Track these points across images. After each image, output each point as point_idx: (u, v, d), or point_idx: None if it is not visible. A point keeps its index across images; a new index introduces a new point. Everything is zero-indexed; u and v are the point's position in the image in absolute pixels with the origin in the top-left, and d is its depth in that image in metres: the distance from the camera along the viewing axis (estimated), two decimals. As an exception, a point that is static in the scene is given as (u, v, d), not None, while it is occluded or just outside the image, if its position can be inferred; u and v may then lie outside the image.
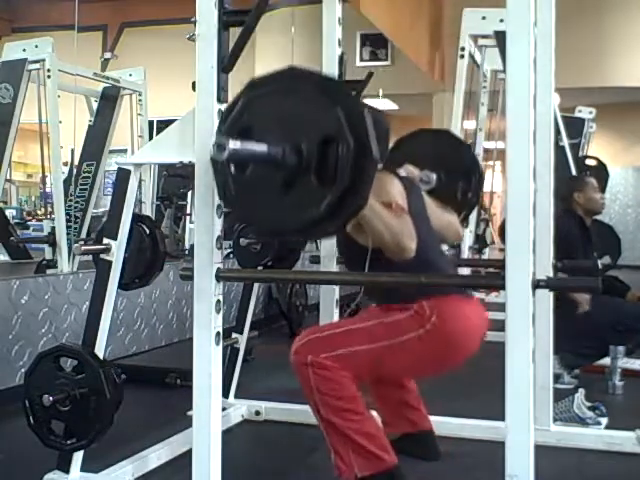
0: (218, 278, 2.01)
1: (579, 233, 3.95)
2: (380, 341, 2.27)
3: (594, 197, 4.05)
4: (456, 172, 2.83)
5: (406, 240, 2.12)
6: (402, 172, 2.57)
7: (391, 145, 2.84)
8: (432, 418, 3.00)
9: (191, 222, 6.80)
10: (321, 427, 2.30)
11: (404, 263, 2.16)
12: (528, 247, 1.73)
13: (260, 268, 3.16)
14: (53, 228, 4.65)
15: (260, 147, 1.69)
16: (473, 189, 2.88)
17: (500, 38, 4.75)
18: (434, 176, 2.76)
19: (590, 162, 7.33)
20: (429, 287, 2.26)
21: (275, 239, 1.83)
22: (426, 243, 2.32)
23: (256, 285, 3.31)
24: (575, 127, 6.76)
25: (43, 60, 4.65)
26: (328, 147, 1.67)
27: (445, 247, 3.18)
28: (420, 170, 2.72)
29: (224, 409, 2.84)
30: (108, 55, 11.43)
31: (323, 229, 1.77)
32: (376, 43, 9.23)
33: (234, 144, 1.61)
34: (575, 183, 4.15)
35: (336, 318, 3.06)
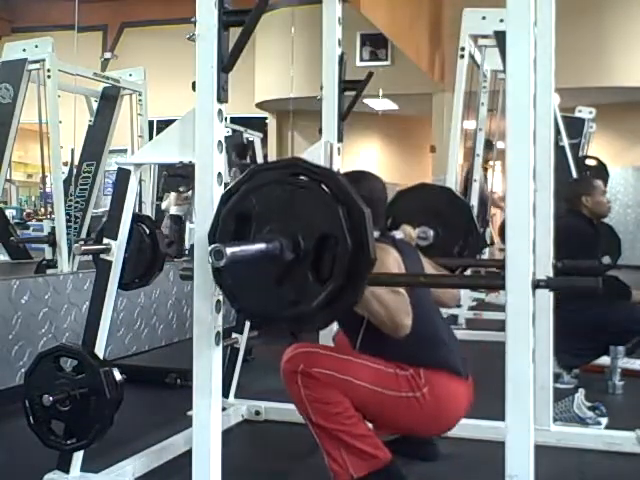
0: (218, 278, 2.01)
1: (591, 234, 3.95)
2: (374, 385, 2.27)
3: (602, 201, 4.05)
4: (454, 229, 2.85)
5: (402, 318, 2.14)
6: (399, 234, 2.58)
7: (391, 198, 2.84)
8: (432, 418, 3.00)
9: (191, 222, 6.81)
10: (313, 433, 2.31)
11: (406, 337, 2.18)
12: (528, 247, 1.73)
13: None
14: (53, 228, 4.65)
15: (258, 246, 1.69)
16: (470, 247, 2.88)
17: (500, 38, 4.75)
18: (431, 232, 2.76)
19: (590, 162, 7.33)
20: (426, 357, 2.29)
21: (265, 325, 1.86)
22: (423, 314, 2.32)
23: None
24: (575, 127, 6.77)
25: (43, 60, 4.65)
26: (326, 243, 1.68)
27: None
28: (418, 226, 2.71)
29: (224, 409, 2.85)
30: (108, 55, 11.43)
31: (314, 323, 1.77)
32: (376, 43, 9.23)
33: (231, 250, 1.60)
34: (583, 186, 4.13)
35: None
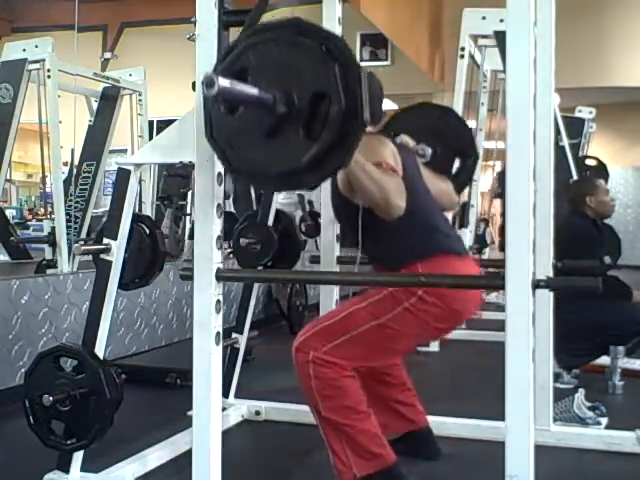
0: (218, 278, 2.01)
1: (597, 234, 3.95)
2: (376, 319, 2.26)
3: (605, 200, 4.05)
4: (452, 150, 2.80)
5: (394, 197, 2.12)
6: (397, 140, 2.57)
7: (392, 114, 2.83)
8: (432, 418, 2.99)
9: (191, 222, 6.81)
10: (320, 427, 2.30)
11: (401, 223, 2.18)
12: (528, 247, 1.73)
13: (260, 268, 3.16)
14: (53, 228, 4.65)
15: (251, 90, 1.68)
16: (467, 169, 2.85)
17: (500, 38, 4.75)
18: (430, 150, 2.74)
19: (590, 162, 7.33)
20: (423, 248, 2.28)
21: (254, 184, 1.82)
22: (423, 203, 2.34)
23: (256, 285, 3.31)
24: (575, 127, 6.76)
25: (43, 60, 4.65)
26: (320, 102, 1.67)
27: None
28: (417, 143, 2.70)
29: (224, 409, 2.85)
30: (108, 55, 11.43)
31: (303, 180, 1.76)
32: (376, 43, 9.23)
33: (224, 82, 1.59)
34: (586, 186, 4.13)
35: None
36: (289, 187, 1.81)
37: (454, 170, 2.78)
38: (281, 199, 7.73)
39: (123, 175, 2.34)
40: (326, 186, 2.90)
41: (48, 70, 4.62)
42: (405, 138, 2.65)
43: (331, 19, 2.87)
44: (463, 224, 5.67)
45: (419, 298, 2.23)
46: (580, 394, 3.11)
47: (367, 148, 2.05)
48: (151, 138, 5.87)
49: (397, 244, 2.31)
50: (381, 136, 2.37)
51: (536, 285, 1.75)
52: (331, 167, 1.71)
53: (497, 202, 8.25)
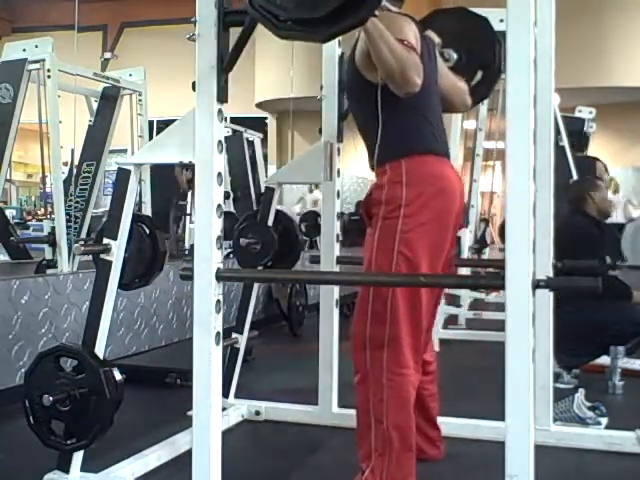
0: (218, 278, 2.01)
1: (599, 234, 3.95)
2: (390, 250, 2.25)
3: (608, 197, 4.06)
4: (478, 61, 2.76)
5: (412, 72, 2.09)
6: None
7: (426, 14, 2.80)
8: (432, 418, 3.00)
9: (191, 222, 6.82)
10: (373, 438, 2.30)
11: (400, 114, 2.22)
12: (528, 247, 1.73)
13: (260, 268, 3.16)
14: (53, 228, 4.64)
15: None
16: (488, 82, 2.80)
17: (500, 38, 4.75)
18: (455, 56, 2.70)
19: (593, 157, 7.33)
20: (411, 146, 2.29)
21: (269, 27, 1.79)
22: (426, 100, 2.32)
23: (256, 285, 3.31)
24: (575, 127, 6.75)
25: (43, 60, 4.64)
26: None
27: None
28: (443, 46, 2.66)
29: (224, 409, 2.84)
30: (108, 55, 11.44)
31: (319, 30, 1.74)
32: (376, 43, 9.21)
33: None
34: (586, 185, 4.15)
35: (336, 318, 3.06)
36: (303, 36, 1.80)
37: (475, 81, 2.74)
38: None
39: (123, 175, 2.34)
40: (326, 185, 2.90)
41: (48, 70, 4.61)
42: (432, 34, 2.60)
43: (331, 19, 2.86)
44: (463, 224, 5.67)
45: (404, 215, 2.24)
46: (580, 394, 3.11)
47: (391, 23, 2.09)
48: (151, 138, 5.87)
49: (390, 133, 2.29)
50: (407, 18, 2.33)
51: (536, 285, 1.75)
52: (350, 21, 1.70)
53: (497, 202, 8.26)
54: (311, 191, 9.27)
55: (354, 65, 2.33)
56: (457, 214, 2.38)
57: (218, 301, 2.02)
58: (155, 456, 2.60)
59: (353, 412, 2.89)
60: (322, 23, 1.71)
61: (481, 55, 2.78)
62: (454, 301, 5.72)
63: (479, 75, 2.76)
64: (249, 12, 1.80)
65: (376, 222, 2.31)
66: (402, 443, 2.26)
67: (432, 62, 2.42)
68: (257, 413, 3.17)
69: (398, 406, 2.27)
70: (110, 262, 2.32)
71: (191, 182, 6.27)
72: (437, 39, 2.62)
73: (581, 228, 3.90)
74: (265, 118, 12.13)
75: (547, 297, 2.78)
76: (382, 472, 2.25)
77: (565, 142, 5.36)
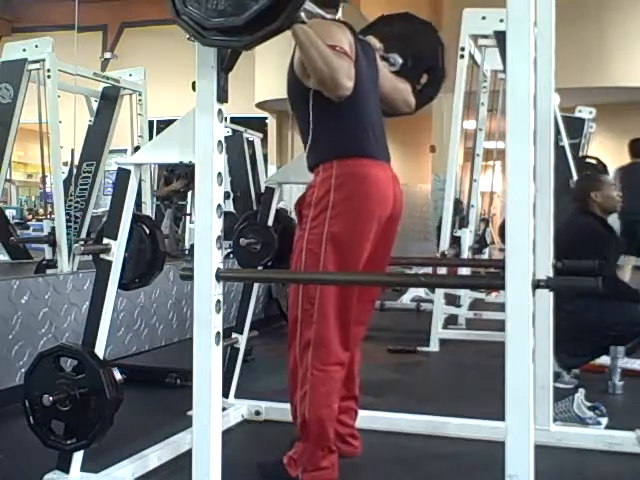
0: (218, 278, 2.01)
1: (606, 233, 3.95)
2: (323, 254, 2.31)
3: (612, 194, 4.02)
4: (423, 64, 2.81)
5: (342, 76, 2.15)
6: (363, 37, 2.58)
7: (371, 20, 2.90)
8: (433, 418, 3.01)
9: (191, 222, 6.81)
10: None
11: (335, 117, 2.27)
12: (528, 247, 1.73)
13: (260, 268, 3.16)
14: (53, 228, 4.64)
15: None
16: (433, 86, 2.84)
17: (500, 38, 4.74)
18: (400, 60, 2.74)
19: (590, 162, 7.33)
20: (344, 148, 2.32)
21: (194, 36, 1.87)
22: (364, 102, 2.36)
23: (256, 285, 3.31)
24: (575, 127, 6.76)
25: (43, 60, 4.65)
26: None
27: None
28: (388, 51, 2.70)
29: (224, 409, 2.84)
30: (108, 55, 11.44)
31: (242, 38, 1.82)
32: (376, 43, 9.22)
33: None
34: (591, 182, 4.10)
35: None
36: (226, 43, 1.87)
37: (421, 84, 2.78)
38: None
39: (123, 175, 2.34)
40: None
41: (48, 70, 4.62)
42: (373, 40, 2.65)
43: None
44: (463, 224, 5.68)
45: (329, 217, 2.29)
46: (580, 394, 3.11)
47: (323, 30, 2.16)
48: (151, 138, 5.87)
49: (325, 136, 2.35)
50: (339, 23, 2.40)
51: (536, 285, 1.74)
52: (271, 27, 1.79)
53: (497, 202, 8.26)
54: None
55: (293, 72, 2.37)
56: (390, 218, 2.41)
57: (218, 301, 2.02)
58: (155, 456, 2.60)
59: (353, 412, 2.89)
60: (244, 30, 1.79)
61: (426, 58, 2.83)
62: (454, 301, 5.72)
63: (425, 78, 2.80)
64: (176, 22, 1.87)
65: (305, 224, 2.36)
66: (320, 438, 2.35)
67: (371, 67, 2.47)
68: (257, 413, 3.17)
69: (320, 402, 2.35)
70: (110, 262, 2.32)
71: (191, 183, 6.27)
72: (379, 44, 2.67)
73: (587, 228, 3.89)
74: (265, 118, 12.13)
75: (547, 297, 2.78)
76: (301, 461, 2.38)
77: (565, 142, 5.37)
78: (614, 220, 4.76)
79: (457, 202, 6.39)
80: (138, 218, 2.52)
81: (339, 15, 2.86)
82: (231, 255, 3.57)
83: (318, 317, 2.34)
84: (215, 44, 1.90)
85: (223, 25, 1.81)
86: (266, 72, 10.90)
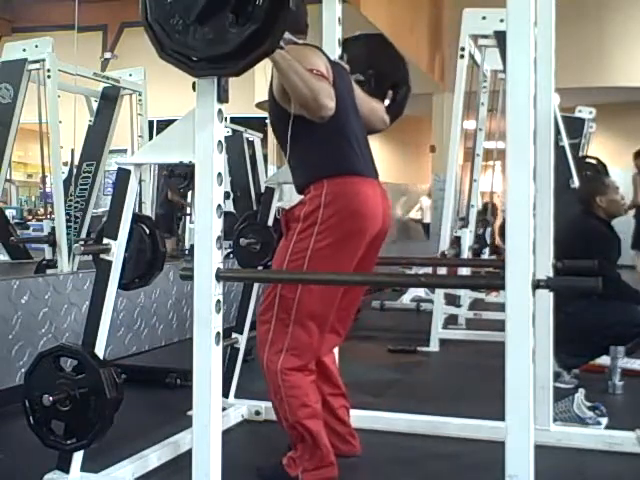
0: (218, 278, 2.01)
1: (611, 236, 3.95)
2: (299, 266, 2.34)
3: (616, 199, 4.03)
4: (387, 82, 2.84)
5: (324, 97, 2.17)
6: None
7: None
8: (433, 418, 3.01)
9: (191, 222, 6.82)
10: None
11: (320, 137, 2.31)
12: (528, 247, 1.73)
13: (260, 268, 3.16)
14: (53, 228, 4.64)
15: None
16: (398, 102, 2.86)
17: (500, 38, 4.75)
18: (362, 78, 2.80)
19: (590, 162, 7.33)
20: (333, 167, 2.35)
21: (184, 69, 1.91)
22: (346, 120, 2.40)
23: (256, 285, 3.31)
24: (575, 127, 6.76)
25: (43, 60, 4.64)
26: None
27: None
28: (352, 72, 2.72)
29: (224, 409, 2.84)
30: (108, 55, 11.43)
31: (232, 64, 1.87)
32: (376, 43, 9.22)
33: None
34: (597, 186, 4.10)
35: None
36: (220, 72, 1.90)
37: (386, 102, 2.81)
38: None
39: (123, 175, 2.34)
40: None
41: (48, 70, 4.61)
42: (341, 62, 2.69)
43: (331, 19, 2.87)
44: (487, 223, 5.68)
45: (316, 233, 2.32)
46: (580, 394, 3.11)
47: (299, 55, 2.20)
48: (151, 138, 5.87)
49: (312, 157, 2.38)
50: (315, 49, 2.44)
51: (536, 285, 1.75)
52: (256, 53, 1.83)
53: (497, 202, 8.24)
54: (429, 196, 9.41)
55: (273, 97, 2.42)
56: (377, 234, 2.43)
57: (218, 301, 2.02)
58: (155, 456, 2.60)
59: (353, 412, 2.89)
60: (232, 58, 1.84)
61: (389, 76, 2.86)
62: (454, 301, 5.72)
63: (390, 94, 2.83)
64: (163, 58, 1.91)
65: (291, 236, 2.38)
66: (310, 437, 2.38)
67: (347, 87, 2.50)
68: (257, 413, 3.17)
69: (298, 404, 2.38)
70: (110, 262, 2.32)
71: (190, 184, 6.29)
72: (346, 66, 2.69)
73: (593, 229, 3.89)
74: (265, 118, 12.09)
75: (547, 297, 2.78)
76: (301, 461, 2.40)
77: (565, 142, 5.37)
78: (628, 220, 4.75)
79: (487, 205, 6.51)
80: (138, 218, 2.52)
81: (339, 14, 2.87)
82: (231, 255, 3.57)
83: (294, 326, 2.37)
84: (204, 74, 1.94)
85: (212, 54, 1.86)
86: (266, 72, 10.89)
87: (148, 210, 5.80)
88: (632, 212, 7.16)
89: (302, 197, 2.43)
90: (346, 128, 2.41)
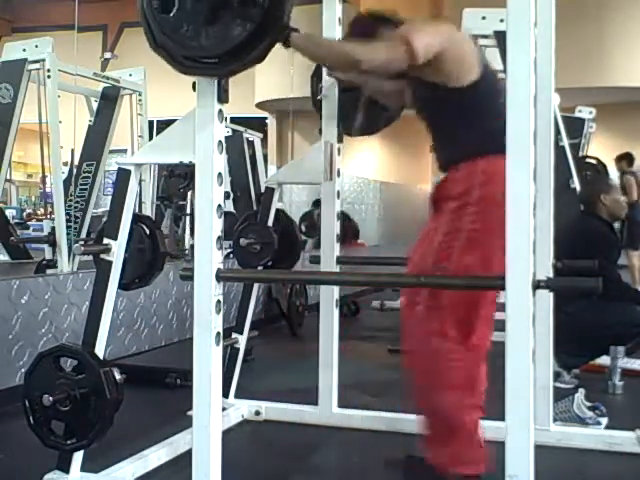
0: (218, 278, 2.01)
1: (615, 238, 3.97)
2: (458, 248, 2.25)
3: (619, 199, 4.06)
4: None
5: (354, 51, 2.16)
6: None
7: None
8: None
9: (191, 222, 6.81)
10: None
11: (478, 114, 2.29)
12: (528, 247, 1.73)
13: (260, 268, 3.16)
14: (53, 228, 4.64)
15: None
16: None
17: (500, 38, 4.74)
18: None
19: (590, 162, 7.33)
20: (488, 146, 2.23)
21: (201, 72, 1.98)
22: (497, 102, 2.27)
23: (256, 285, 3.31)
24: (575, 127, 6.75)
25: (43, 60, 4.64)
26: None
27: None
28: None
29: (224, 409, 2.84)
30: (108, 55, 11.43)
31: (245, 58, 1.91)
32: (376, 43, 9.22)
33: None
34: (600, 185, 4.15)
35: (336, 318, 3.06)
36: (233, 68, 1.94)
37: None
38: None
39: (123, 175, 2.34)
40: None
41: (48, 70, 4.61)
42: None
43: (331, 19, 2.87)
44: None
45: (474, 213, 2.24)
46: (580, 394, 3.11)
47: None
48: (151, 138, 5.87)
49: (466, 135, 2.31)
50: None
51: (536, 285, 1.75)
52: (265, 44, 1.89)
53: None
54: None
55: (420, 80, 2.34)
56: None
57: (218, 301, 2.02)
58: (155, 456, 2.60)
59: (353, 412, 2.91)
60: (244, 49, 1.87)
61: None
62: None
63: None
64: (155, 52, 1.95)
65: (441, 216, 2.31)
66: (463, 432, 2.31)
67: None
68: (257, 413, 3.17)
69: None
70: (110, 262, 2.31)
71: (190, 184, 6.27)
72: None
73: (596, 230, 3.90)
74: (265, 118, 12.12)
75: (547, 297, 2.78)
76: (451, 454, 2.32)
77: (565, 142, 5.36)
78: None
79: None
80: (138, 218, 2.52)
81: (339, 14, 2.87)
82: (231, 255, 3.57)
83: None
84: (224, 74, 1.96)
85: (226, 50, 1.87)
86: (266, 72, 10.89)
87: (148, 210, 5.80)
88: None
89: (446, 174, 2.35)
90: (496, 105, 2.25)
